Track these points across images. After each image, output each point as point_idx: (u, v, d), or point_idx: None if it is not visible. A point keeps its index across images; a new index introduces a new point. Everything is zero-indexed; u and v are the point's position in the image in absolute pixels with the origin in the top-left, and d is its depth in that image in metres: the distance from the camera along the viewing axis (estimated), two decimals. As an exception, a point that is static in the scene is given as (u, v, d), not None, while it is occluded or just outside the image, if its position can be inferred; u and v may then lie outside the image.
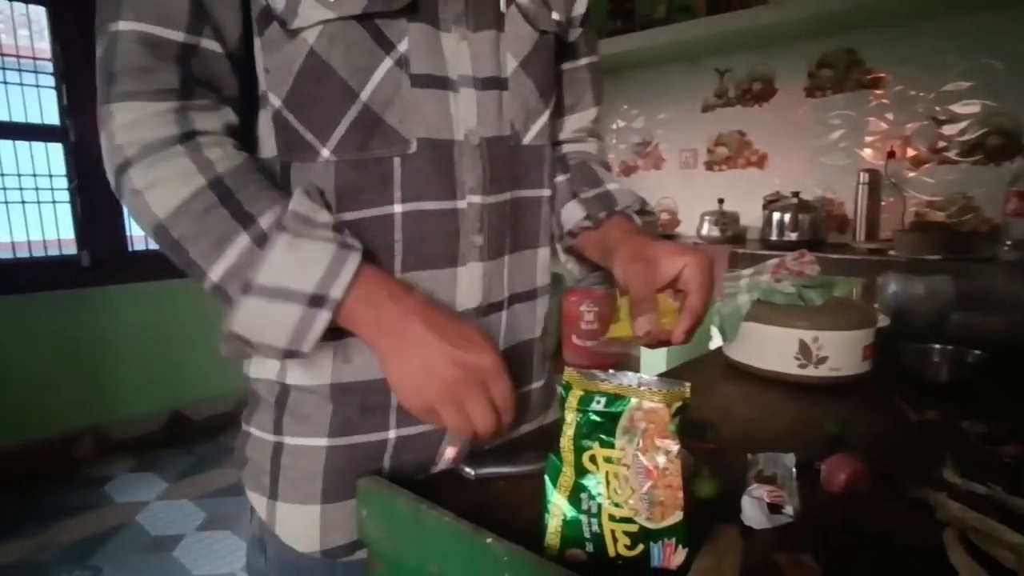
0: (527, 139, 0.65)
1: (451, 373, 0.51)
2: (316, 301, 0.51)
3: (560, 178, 0.76)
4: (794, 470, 0.55)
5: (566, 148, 0.80)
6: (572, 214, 0.73)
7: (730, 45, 2.55)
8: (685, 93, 2.82)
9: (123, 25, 0.50)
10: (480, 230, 0.61)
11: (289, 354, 0.53)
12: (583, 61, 0.77)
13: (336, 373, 0.59)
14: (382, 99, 0.55)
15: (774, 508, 0.50)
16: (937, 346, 0.94)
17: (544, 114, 0.67)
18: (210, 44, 0.53)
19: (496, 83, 0.61)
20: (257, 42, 0.56)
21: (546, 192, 0.70)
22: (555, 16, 0.67)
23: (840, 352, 0.84)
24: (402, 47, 0.55)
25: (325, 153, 0.56)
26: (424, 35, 0.56)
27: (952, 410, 0.75)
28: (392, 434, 0.62)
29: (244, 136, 0.59)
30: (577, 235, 0.74)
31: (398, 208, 0.57)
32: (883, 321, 1.13)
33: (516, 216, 0.66)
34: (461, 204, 0.60)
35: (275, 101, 0.56)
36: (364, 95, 0.55)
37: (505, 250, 0.65)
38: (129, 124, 0.50)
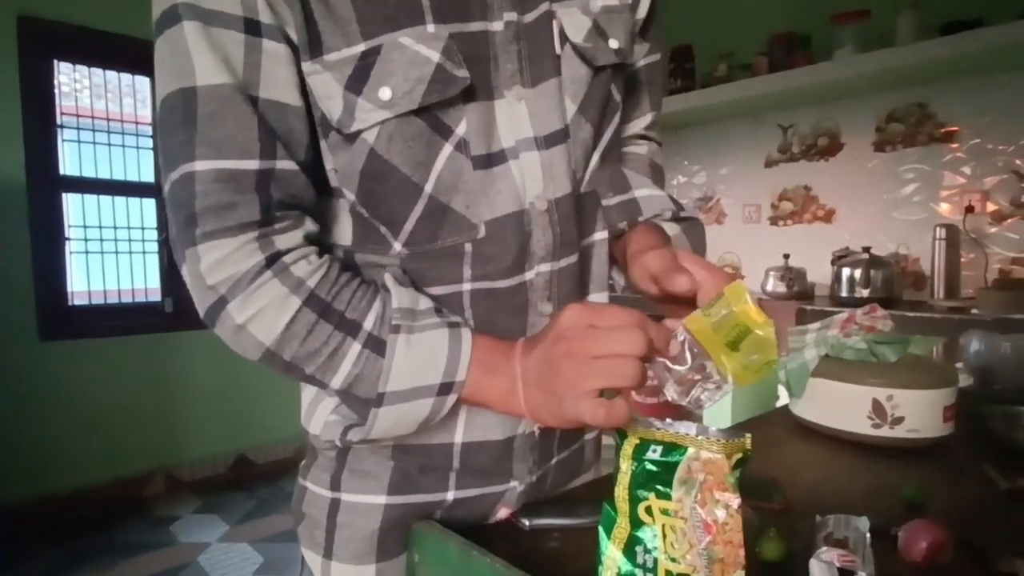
0: (584, 186, 0.62)
1: (563, 377, 0.46)
2: (444, 389, 0.52)
3: None
4: (868, 535, 0.52)
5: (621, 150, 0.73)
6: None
7: (793, 101, 2.54)
8: (747, 148, 2.81)
9: (200, 165, 0.48)
10: (549, 298, 0.59)
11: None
12: (640, 63, 0.70)
13: (398, 437, 0.59)
14: (447, 187, 0.54)
15: (845, 573, 0.47)
16: (1029, 410, 0.88)
17: (595, 155, 0.63)
18: (285, 164, 0.51)
19: (561, 135, 0.58)
20: (323, 143, 0.55)
21: (603, 234, 0.65)
22: (613, 44, 0.61)
23: (918, 412, 0.79)
24: (460, 130, 0.53)
25: (397, 247, 0.56)
26: (480, 111, 0.54)
27: (1048, 479, 0.69)
28: (450, 495, 0.61)
29: (318, 218, 0.57)
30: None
31: (467, 286, 0.56)
32: (964, 381, 1.06)
33: (583, 270, 0.62)
34: (529, 275, 0.58)
35: (349, 196, 0.56)
36: (428, 187, 0.54)
37: None
38: (217, 263, 0.49)
